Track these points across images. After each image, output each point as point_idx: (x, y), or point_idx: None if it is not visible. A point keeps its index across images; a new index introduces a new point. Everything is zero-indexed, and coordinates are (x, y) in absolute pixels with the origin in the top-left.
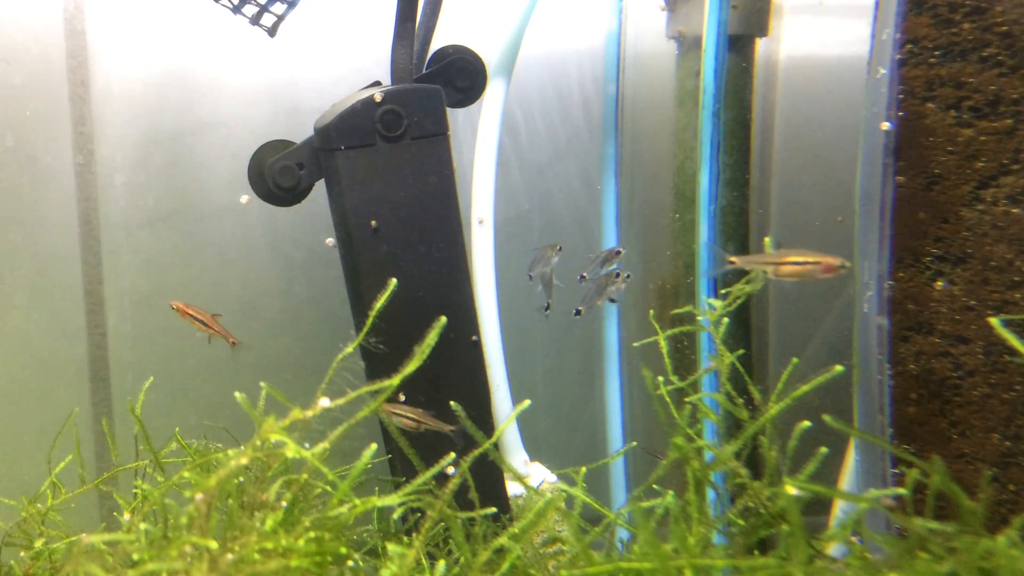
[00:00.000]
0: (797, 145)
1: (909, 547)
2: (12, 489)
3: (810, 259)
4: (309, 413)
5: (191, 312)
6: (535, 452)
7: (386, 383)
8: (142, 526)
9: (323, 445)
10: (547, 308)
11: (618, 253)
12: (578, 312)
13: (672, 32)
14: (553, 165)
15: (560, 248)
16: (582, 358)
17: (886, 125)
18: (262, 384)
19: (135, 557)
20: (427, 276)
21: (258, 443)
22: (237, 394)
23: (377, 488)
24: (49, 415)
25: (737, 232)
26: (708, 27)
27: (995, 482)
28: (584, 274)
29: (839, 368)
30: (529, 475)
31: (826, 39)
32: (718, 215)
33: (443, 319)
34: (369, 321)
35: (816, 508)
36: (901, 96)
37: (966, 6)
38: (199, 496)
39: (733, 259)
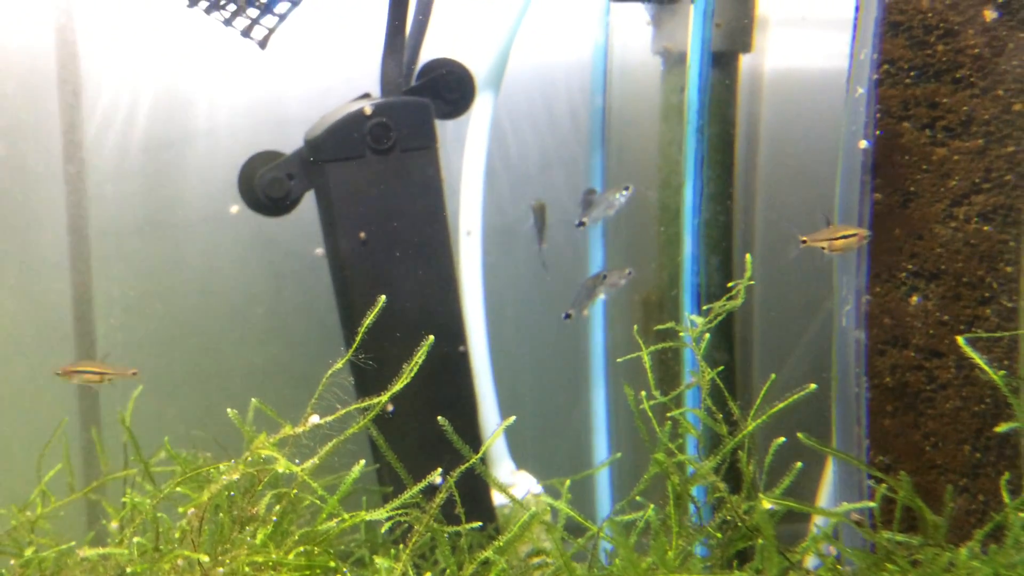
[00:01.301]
0: (781, 158)
1: (877, 560)
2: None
3: (850, 232)
4: (299, 429)
5: (77, 369)
6: (521, 460)
7: (375, 400)
8: (135, 539)
9: (313, 461)
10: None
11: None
12: (567, 316)
13: (657, 48)
14: (541, 176)
15: (628, 188)
16: (568, 367)
17: (864, 143)
18: (253, 400)
19: (128, 570)
20: (415, 287)
21: (249, 458)
22: (229, 411)
23: (365, 498)
24: (37, 422)
25: (721, 245)
26: (692, 45)
27: (965, 492)
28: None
29: (812, 386)
30: (515, 484)
31: (810, 52)
32: (702, 228)
33: (431, 338)
34: (358, 338)
35: (798, 516)
36: (878, 115)
37: (940, 29)
38: (191, 511)
39: (803, 238)
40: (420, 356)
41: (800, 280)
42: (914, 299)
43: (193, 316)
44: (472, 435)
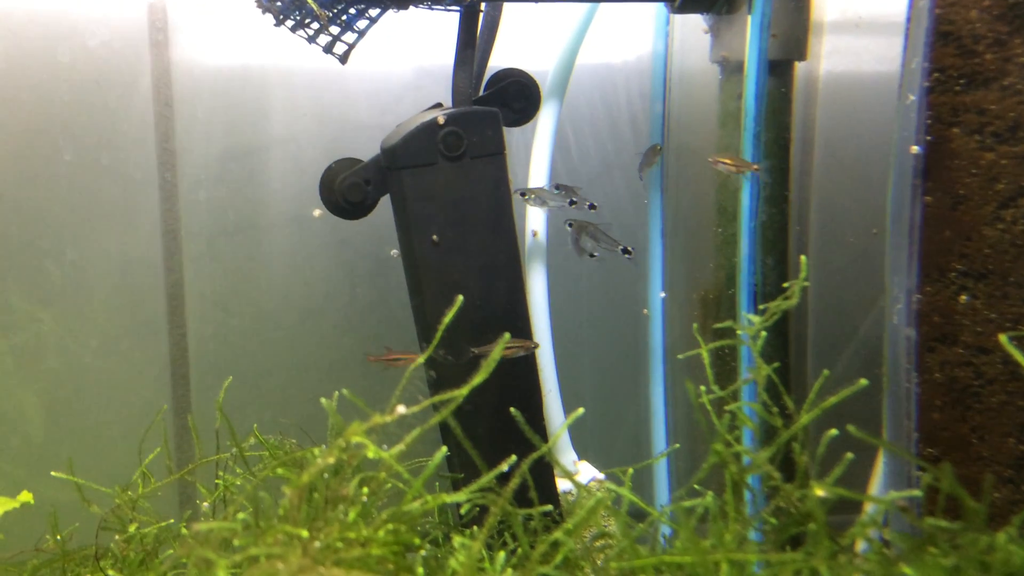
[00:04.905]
0: (835, 160)
1: (921, 544)
2: (101, 477)
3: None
4: (388, 419)
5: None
6: (582, 451)
7: (456, 393)
8: (239, 515)
9: (399, 447)
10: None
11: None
12: (626, 252)
13: (715, 57)
14: (602, 179)
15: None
16: (628, 361)
17: (915, 149)
18: (344, 391)
19: (236, 542)
20: (485, 285)
21: (343, 444)
22: (323, 400)
23: (437, 484)
24: (134, 409)
25: (776, 246)
26: (749, 55)
27: (1010, 483)
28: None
29: (863, 382)
30: (578, 473)
31: (864, 55)
32: (758, 230)
33: (507, 335)
34: (437, 336)
35: (849, 508)
36: (929, 121)
37: (988, 38)
38: (291, 491)
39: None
40: (498, 352)
41: (852, 280)
42: (963, 298)
43: (275, 312)
44: (538, 426)
